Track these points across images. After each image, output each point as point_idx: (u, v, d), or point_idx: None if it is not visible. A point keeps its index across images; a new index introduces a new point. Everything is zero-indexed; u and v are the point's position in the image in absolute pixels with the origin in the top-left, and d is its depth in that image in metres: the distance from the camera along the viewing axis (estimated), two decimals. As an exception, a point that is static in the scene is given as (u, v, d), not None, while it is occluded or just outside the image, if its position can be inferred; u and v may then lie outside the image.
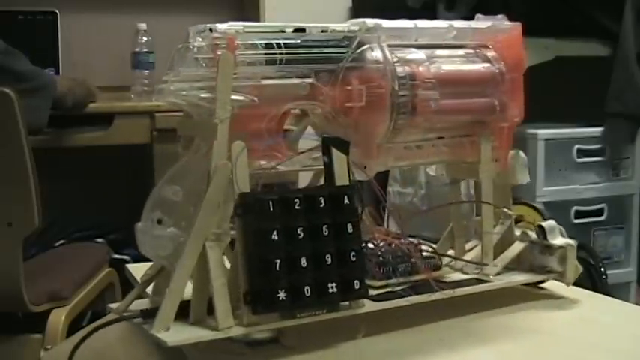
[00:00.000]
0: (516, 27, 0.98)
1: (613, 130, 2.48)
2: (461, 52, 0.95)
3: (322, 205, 0.77)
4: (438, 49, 0.93)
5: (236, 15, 2.72)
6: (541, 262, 0.96)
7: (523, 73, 0.96)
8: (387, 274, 0.87)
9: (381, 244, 0.91)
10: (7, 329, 1.70)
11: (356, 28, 0.86)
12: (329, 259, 0.76)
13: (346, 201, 0.79)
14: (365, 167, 0.86)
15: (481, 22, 0.98)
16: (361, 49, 0.85)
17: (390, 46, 0.88)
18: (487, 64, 0.94)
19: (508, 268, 0.96)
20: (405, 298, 0.85)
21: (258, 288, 0.74)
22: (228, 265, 0.78)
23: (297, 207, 0.76)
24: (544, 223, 0.96)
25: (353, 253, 0.78)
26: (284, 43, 0.81)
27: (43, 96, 1.89)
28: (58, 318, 1.67)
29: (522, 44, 0.97)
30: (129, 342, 0.91)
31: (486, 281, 0.92)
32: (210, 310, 0.76)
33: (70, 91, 2.08)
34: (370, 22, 0.87)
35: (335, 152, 0.80)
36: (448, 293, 0.87)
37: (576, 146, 2.43)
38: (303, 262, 0.75)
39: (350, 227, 0.78)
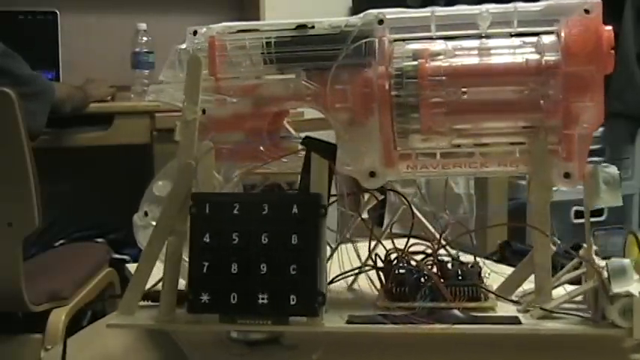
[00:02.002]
0: (594, 5, 0.75)
1: (613, 129, 2.48)
2: (499, 41, 0.78)
3: (264, 213, 0.74)
4: (468, 39, 0.79)
5: (236, 15, 2.72)
6: (604, 309, 0.74)
7: (604, 67, 0.75)
8: (399, 296, 0.78)
9: (428, 261, 0.80)
10: (7, 329, 1.70)
11: (356, 21, 0.80)
12: (263, 269, 0.73)
13: (294, 210, 0.73)
14: (372, 174, 0.79)
15: (534, 3, 0.79)
16: (355, 44, 0.78)
17: (399, 39, 0.79)
18: (532, 55, 0.76)
19: (566, 309, 0.76)
20: (379, 325, 0.74)
21: (192, 288, 0.75)
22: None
23: (235, 212, 0.74)
24: (610, 262, 0.75)
25: (294, 266, 0.72)
26: (275, 42, 0.80)
27: (41, 101, 1.89)
28: (58, 318, 1.66)
29: (601, 29, 0.75)
30: (128, 342, 0.91)
31: (515, 323, 0.74)
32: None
33: (68, 98, 2.08)
34: (374, 13, 0.79)
35: (314, 156, 0.75)
36: (435, 329, 0.73)
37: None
38: (234, 268, 0.73)
39: (295, 238, 0.73)
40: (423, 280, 0.78)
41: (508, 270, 0.85)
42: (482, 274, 0.80)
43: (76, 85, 2.24)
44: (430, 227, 0.88)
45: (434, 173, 0.81)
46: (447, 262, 0.81)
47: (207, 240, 0.74)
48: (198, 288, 0.74)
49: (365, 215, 0.86)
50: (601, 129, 2.51)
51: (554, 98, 0.74)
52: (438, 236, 0.84)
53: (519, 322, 0.74)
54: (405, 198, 0.85)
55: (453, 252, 0.83)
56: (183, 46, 0.84)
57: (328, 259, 0.87)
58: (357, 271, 0.85)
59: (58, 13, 2.54)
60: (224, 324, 0.74)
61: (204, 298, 0.74)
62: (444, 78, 0.76)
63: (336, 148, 0.75)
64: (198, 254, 0.75)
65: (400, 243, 0.83)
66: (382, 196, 0.88)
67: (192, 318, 0.75)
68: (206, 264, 0.74)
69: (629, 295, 0.71)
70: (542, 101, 0.75)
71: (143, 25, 2.47)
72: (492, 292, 0.78)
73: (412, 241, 0.83)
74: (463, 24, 0.79)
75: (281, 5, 2.65)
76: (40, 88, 1.90)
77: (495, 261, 1.00)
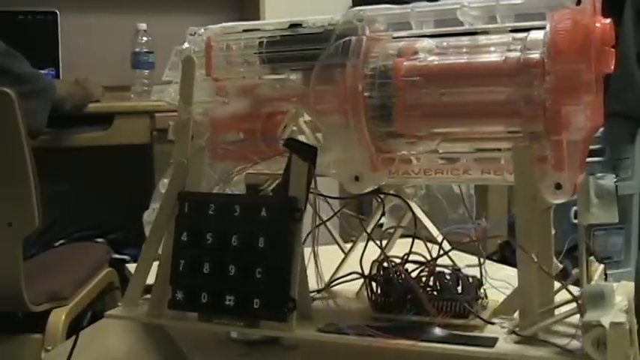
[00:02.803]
0: None
1: (613, 129, 2.48)
2: (490, 38, 0.72)
3: (236, 214, 0.73)
4: (453, 36, 0.74)
5: (236, 15, 2.72)
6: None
7: (599, 65, 0.65)
8: (383, 306, 0.76)
9: (423, 270, 0.77)
10: (7, 329, 1.69)
11: (339, 19, 0.77)
12: (232, 271, 0.72)
13: (263, 213, 0.72)
14: (356, 178, 0.75)
15: None
16: (334, 44, 0.75)
17: (376, 38, 0.75)
18: (514, 53, 0.68)
19: (550, 331, 0.69)
20: (342, 336, 0.71)
21: (171, 285, 0.76)
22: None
23: (210, 212, 0.74)
24: (588, 287, 0.68)
25: (259, 269, 0.71)
26: (266, 42, 0.80)
27: (41, 99, 1.89)
28: (58, 318, 1.66)
29: (592, 22, 0.65)
30: (129, 342, 0.91)
31: (487, 346, 0.68)
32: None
33: (69, 96, 2.08)
34: (354, 10, 0.76)
35: (294, 158, 0.72)
36: (399, 344, 0.68)
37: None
38: (206, 268, 0.74)
39: (262, 241, 0.71)
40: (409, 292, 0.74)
41: (509, 270, 0.84)
42: (483, 287, 0.75)
43: (76, 83, 2.24)
44: (433, 231, 0.86)
45: (415, 180, 0.77)
46: (445, 273, 0.76)
47: (185, 239, 0.75)
48: (174, 285, 0.75)
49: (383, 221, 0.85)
50: (601, 129, 2.50)
51: (537, 100, 0.66)
52: (439, 241, 0.80)
53: (491, 346, 0.67)
54: (408, 203, 0.83)
55: (459, 258, 0.79)
56: (185, 46, 0.85)
57: (344, 259, 0.87)
58: (346, 278, 0.84)
59: (58, 13, 2.54)
60: (202, 322, 0.75)
61: (179, 295, 0.75)
62: (418, 78, 0.71)
63: (317, 151, 0.72)
64: (177, 252, 0.76)
65: (405, 247, 0.81)
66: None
67: (177, 314, 0.76)
68: (182, 262, 0.75)
69: (599, 325, 0.62)
70: (522, 103, 0.67)
71: (143, 25, 2.47)
72: (472, 312, 0.72)
73: (416, 246, 0.80)
74: (449, 20, 0.73)
75: (281, 5, 2.65)
76: (41, 86, 1.90)
77: (496, 261, 0.99)
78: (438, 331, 0.70)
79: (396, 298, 0.75)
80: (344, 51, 0.74)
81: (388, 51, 0.74)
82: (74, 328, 1.67)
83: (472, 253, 0.81)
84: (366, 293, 0.78)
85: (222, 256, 0.73)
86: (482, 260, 0.76)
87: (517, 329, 0.68)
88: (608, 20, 0.66)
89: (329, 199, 0.80)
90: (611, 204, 0.69)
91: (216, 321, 0.74)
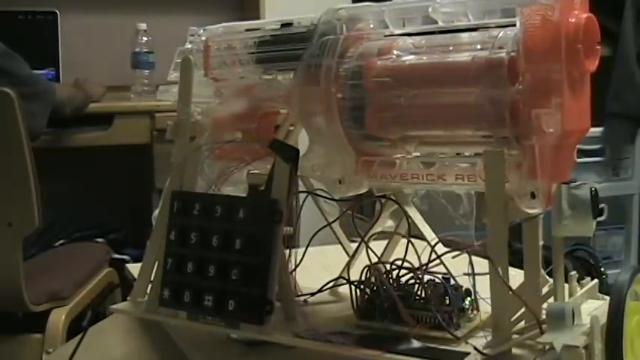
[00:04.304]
0: None
1: (613, 129, 2.47)
2: (467, 36, 0.68)
3: (217, 215, 0.73)
4: (433, 34, 0.70)
5: (236, 15, 2.72)
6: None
7: (577, 65, 0.61)
8: (366, 314, 0.75)
9: (408, 277, 0.75)
10: (7, 329, 1.70)
11: (320, 17, 0.75)
12: (211, 271, 0.72)
13: (241, 214, 0.71)
14: (340, 181, 0.73)
15: None
16: (313, 43, 0.73)
17: (357, 37, 0.72)
18: (483, 52, 0.64)
19: (527, 347, 0.67)
20: (312, 341, 0.70)
21: (161, 283, 0.77)
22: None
23: (195, 212, 0.75)
24: (549, 306, 0.63)
25: (235, 270, 0.71)
26: (258, 42, 0.80)
27: (42, 102, 1.88)
28: (58, 318, 1.66)
29: (563, 19, 0.60)
30: (129, 342, 0.91)
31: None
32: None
33: (69, 99, 2.08)
34: (333, 9, 0.74)
35: (278, 160, 0.72)
36: (367, 354, 0.67)
37: (576, 146, 2.43)
38: (190, 267, 0.74)
39: (238, 243, 0.71)
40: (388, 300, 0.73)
41: (510, 272, 0.83)
42: (471, 298, 0.73)
43: (76, 86, 2.24)
44: (428, 236, 0.84)
45: (392, 184, 0.73)
46: (434, 281, 0.74)
47: (173, 237, 0.76)
48: (162, 283, 0.76)
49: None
50: (601, 129, 2.51)
51: (503, 102, 0.62)
52: (432, 245, 0.76)
53: None
54: (401, 206, 0.82)
55: (462, 262, 0.73)
56: (187, 46, 0.85)
57: (351, 259, 0.86)
58: (331, 284, 0.83)
59: (58, 13, 2.54)
60: (189, 320, 0.75)
61: (166, 293, 0.75)
62: (388, 79, 0.68)
63: (298, 153, 0.71)
64: (166, 250, 0.76)
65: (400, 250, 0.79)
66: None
67: (170, 312, 0.76)
68: (170, 260, 0.75)
69: (552, 347, 0.59)
70: (488, 105, 0.63)
71: (143, 25, 2.47)
72: (443, 326, 0.69)
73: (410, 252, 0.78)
74: (423, 17, 0.70)
75: (281, 5, 2.65)
76: (41, 89, 1.90)
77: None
78: (413, 343, 0.68)
79: (377, 306, 0.73)
80: (321, 51, 0.72)
81: (367, 50, 0.71)
82: (74, 328, 1.67)
83: (475, 254, 0.79)
84: (352, 300, 0.77)
85: (204, 256, 0.73)
86: (472, 271, 0.71)
87: (484, 348, 0.65)
88: (585, 15, 0.62)
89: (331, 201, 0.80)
90: (585, 215, 0.62)
91: (202, 320, 0.74)
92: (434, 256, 0.74)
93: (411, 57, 0.69)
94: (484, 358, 0.65)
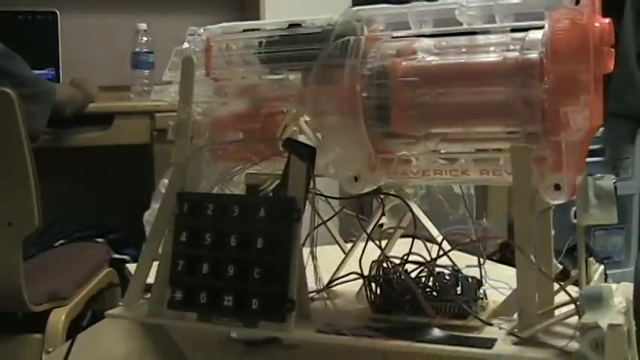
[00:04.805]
0: None
1: (613, 129, 2.48)
2: (490, 38, 0.71)
3: (234, 214, 0.73)
4: (453, 36, 0.73)
5: (236, 15, 2.72)
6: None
7: (598, 66, 0.65)
8: (382, 307, 0.75)
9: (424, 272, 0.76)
10: (7, 329, 1.70)
11: (337, 19, 0.76)
12: (230, 271, 0.72)
13: (262, 213, 0.72)
14: (355, 179, 0.74)
15: None
16: (332, 44, 0.74)
17: (374, 38, 0.74)
18: (512, 53, 0.67)
19: (549, 332, 0.69)
20: (336, 336, 0.70)
21: (170, 285, 0.76)
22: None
23: (209, 212, 0.75)
24: (585, 289, 0.67)
25: (257, 270, 0.71)
26: (265, 42, 0.80)
27: (42, 103, 1.89)
28: (58, 318, 1.67)
29: (589, 22, 0.64)
30: (129, 343, 0.91)
31: (484, 347, 0.67)
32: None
33: (69, 100, 2.08)
34: (353, 10, 0.76)
35: (293, 159, 0.72)
36: (396, 345, 0.68)
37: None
38: (205, 268, 0.74)
39: (260, 242, 0.71)
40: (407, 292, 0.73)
41: (509, 271, 0.84)
42: (483, 288, 0.75)
43: (76, 85, 2.24)
44: (433, 231, 0.85)
45: (414, 180, 0.76)
46: (444, 273, 0.75)
47: (184, 239, 0.75)
48: (173, 285, 0.75)
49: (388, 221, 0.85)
50: (601, 129, 2.51)
51: (535, 101, 0.66)
52: (439, 241, 0.79)
53: (490, 347, 0.67)
54: (407, 203, 0.82)
55: (459, 259, 0.78)
56: (185, 46, 0.85)
57: (344, 259, 0.87)
58: (345, 278, 0.83)
59: (58, 13, 2.54)
60: (201, 322, 0.74)
61: (178, 295, 0.75)
62: (415, 79, 0.70)
63: (315, 151, 0.72)
64: (175, 252, 0.76)
65: (405, 247, 0.80)
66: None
67: (177, 314, 0.76)
68: (181, 262, 0.75)
69: (597, 327, 0.62)
70: (520, 104, 0.66)
71: (143, 25, 2.47)
72: (470, 313, 0.72)
73: (416, 246, 0.80)
74: (448, 20, 0.73)
75: (281, 5, 2.65)
76: (41, 89, 1.90)
77: (496, 261, 0.99)
78: (436, 332, 0.70)
79: (394, 298, 0.74)
80: (342, 51, 0.73)
81: (387, 51, 0.74)
82: (74, 328, 1.67)
83: (472, 253, 0.80)
84: (365, 294, 0.78)
85: (221, 257, 0.73)
86: (482, 261, 0.76)
87: (516, 330, 0.68)
88: (607, 20, 0.66)
89: (329, 199, 0.80)
90: (610, 205, 0.69)
91: (215, 321, 0.73)
92: (441, 251, 0.76)
93: (436, 57, 0.72)
94: (516, 341, 0.67)
